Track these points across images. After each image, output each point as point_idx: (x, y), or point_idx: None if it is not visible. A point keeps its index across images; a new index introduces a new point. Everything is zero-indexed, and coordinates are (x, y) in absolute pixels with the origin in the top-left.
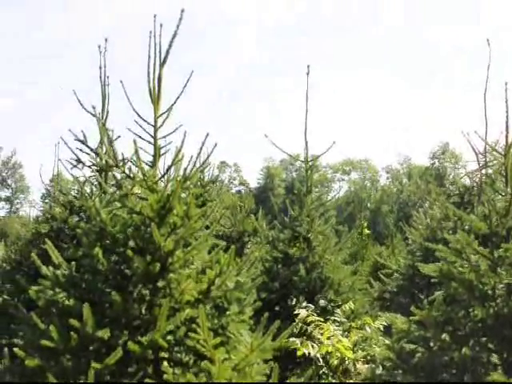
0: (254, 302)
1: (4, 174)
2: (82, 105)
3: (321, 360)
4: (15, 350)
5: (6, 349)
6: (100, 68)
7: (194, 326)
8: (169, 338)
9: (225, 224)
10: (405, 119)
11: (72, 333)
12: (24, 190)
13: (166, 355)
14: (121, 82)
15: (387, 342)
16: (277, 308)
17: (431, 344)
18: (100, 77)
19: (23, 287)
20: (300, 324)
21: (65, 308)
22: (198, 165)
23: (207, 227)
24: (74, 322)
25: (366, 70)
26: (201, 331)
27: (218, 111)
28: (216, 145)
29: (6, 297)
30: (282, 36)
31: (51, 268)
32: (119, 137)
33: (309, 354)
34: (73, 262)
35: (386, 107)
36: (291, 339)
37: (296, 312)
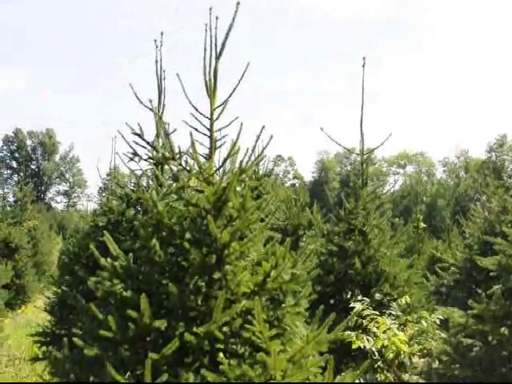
0: (310, 295)
1: (62, 169)
2: (138, 98)
3: (376, 353)
4: (74, 339)
5: (65, 338)
6: (156, 62)
7: (249, 317)
8: (225, 329)
9: (279, 217)
10: (463, 112)
11: (130, 323)
12: (81, 184)
13: (222, 346)
14: (177, 75)
15: (444, 335)
16: (332, 301)
17: (489, 338)
18: (156, 71)
19: (82, 279)
20: (355, 317)
21: (122, 299)
22: (253, 157)
23: (262, 220)
24: (131, 312)
25: (424, 61)
26: (256, 323)
27: (273, 103)
28: (272, 137)
29: (64, 288)
30: (336, 27)
31: (109, 259)
32: (175, 130)
33: (364, 347)
34: (130, 254)
35: (444, 99)
36: (346, 332)
37: (351, 305)
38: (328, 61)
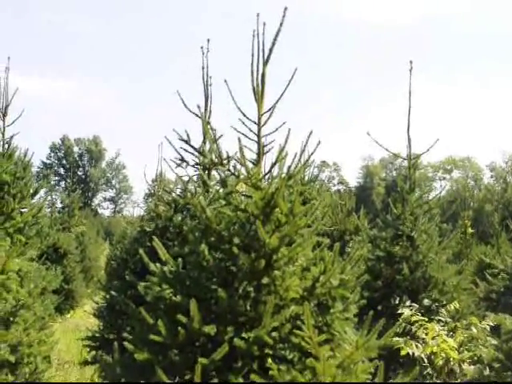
0: (358, 300)
1: (108, 175)
2: (185, 105)
3: (425, 360)
4: (125, 343)
5: (115, 343)
6: (203, 68)
7: (298, 323)
8: (274, 334)
9: (326, 223)
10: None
11: (179, 328)
12: (127, 191)
13: (271, 352)
14: (225, 81)
15: (495, 342)
16: (379, 307)
17: None
18: (203, 77)
19: (130, 284)
20: (403, 323)
21: (172, 303)
22: (301, 163)
23: (309, 226)
24: (181, 317)
25: (468, 65)
26: (306, 328)
27: (318, 109)
28: (319, 142)
29: (113, 293)
30: (381, 34)
31: (158, 264)
32: (222, 136)
33: (413, 353)
34: (179, 259)
35: (491, 103)
36: (395, 338)
37: (399, 311)
38: (372, 67)
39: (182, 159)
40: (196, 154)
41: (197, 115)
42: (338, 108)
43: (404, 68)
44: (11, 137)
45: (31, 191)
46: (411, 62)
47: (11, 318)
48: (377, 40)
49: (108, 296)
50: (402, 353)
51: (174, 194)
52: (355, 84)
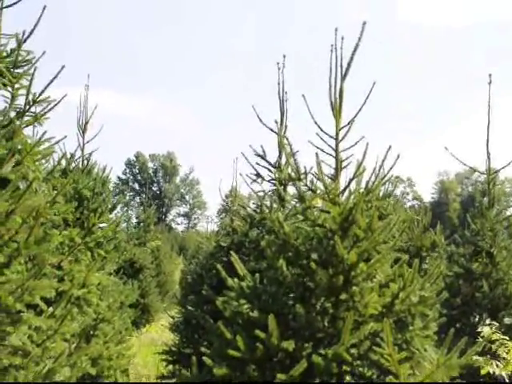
0: (438, 318)
1: (182, 191)
2: (261, 120)
3: (506, 379)
4: (204, 358)
5: (193, 357)
6: (278, 84)
7: (377, 340)
8: (352, 351)
9: (401, 239)
10: None
11: (258, 343)
12: (201, 206)
13: (349, 369)
14: (303, 96)
15: None
16: (458, 325)
17: None
18: (278, 92)
19: (207, 298)
20: (483, 342)
21: (249, 319)
22: (379, 178)
23: (385, 242)
24: (259, 333)
25: None
26: (385, 345)
27: (391, 122)
28: (398, 157)
29: (189, 307)
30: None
31: (236, 280)
32: (297, 151)
33: (493, 372)
34: (256, 274)
35: None
36: (474, 357)
37: (479, 329)
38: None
39: (258, 174)
40: (271, 169)
41: (272, 130)
42: (410, 121)
43: (478, 76)
44: (90, 153)
45: (109, 206)
46: (490, 75)
47: (92, 332)
48: (442, 45)
49: (184, 310)
50: (483, 372)
51: (249, 209)
52: (429, 96)
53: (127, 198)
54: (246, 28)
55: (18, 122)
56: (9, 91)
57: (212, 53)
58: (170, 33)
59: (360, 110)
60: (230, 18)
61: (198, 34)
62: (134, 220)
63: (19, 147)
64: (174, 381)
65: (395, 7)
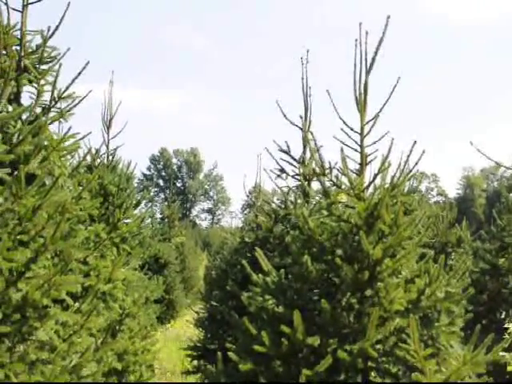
0: (464, 314)
1: (206, 187)
2: (285, 115)
3: None
4: (229, 353)
5: (218, 353)
6: (302, 79)
7: (403, 336)
8: (378, 347)
9: (427, 234)
10: None
11: (283, 339)
12: (225, 202)
13: (374, 365)
14: (327, 91)
15: None
16: (484, 321)
17: None
18: (302, 87)
19: (232, 294)
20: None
21: (275, 314)
22: (404, 173)
23: (409, 238)
24: (284, 328)
25: None
26: (411, 341)
27: (417, 118)
28: (424, 152)
29: (214, 303)
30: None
31: (261, 275)
32: (321, 146)
33: None
34: (281, 270)
35: None
36: (501, 353)
37: (506, 325)
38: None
39: (282, 170)
40: (296, 164)
41: (297, 126)
42: (435, 115)
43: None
44: (115, 149)
45: (134, 202)
46: None
47: (117, 327)
48: (468, 40)
49: (209, 306)
50: (509, 368)
51: (273, 205)
52: (454, 90)
53: (151, 193)
54: (266, 27)
55: (43, 118)
56: (34, 87)
57: (233, 48)
58: (191, 29)
59: (385, 104)
60: (253, 15)
61: (221, 32)
62: (159, 216)
63: (45, 143)
64: (198, 376)
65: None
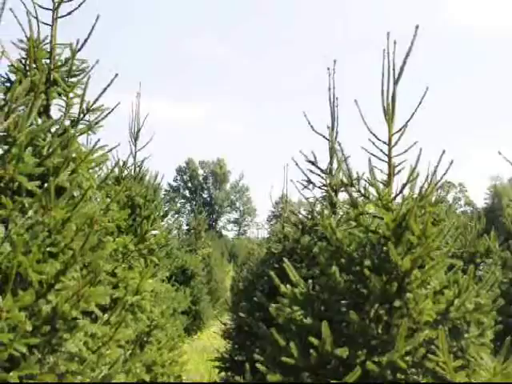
0: (494, 326)
1: (233, 197)
2: (311, 126)
3: None
4: (257, 365)
5: (246, 364)
6: (329, 89)
7: (432, 347)
8: (407, 358)
9: (455, 245)
10: None
11: (311, 350)
12: (251, 213)
13: (403, 376)
14: (355, 101)
15: None
16: None
17: None
18: (329, 98)
19: (259, 305)
20: None
21: (303, 325)
22: (433, 183)
23: (438, 248)
24: (313, 339)
25: None
26: (440, 353)
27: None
28: (452, 162)
29: (241, 314)
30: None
31: (288, 286)
32: (349, 156)
33: None
34: (309, 281)
35: None
36: None
37: None
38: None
39: (309, 180)
40: (322, 175)
41: (324, 136)
42: (463, 124)
43: None
44: (142, 160)
45: (161, 213)
46: None
47: (145, 338)
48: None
49: (236, 317)
50: None
51: (300, 216)
52: (481, 99)
53: (178, 205)
54: (290, 36)
55: (72, 131)
56: (64, 100)
57: (260, 59)
58: (216, 40)
59: (413, 114)
60: (277, 26)
61: (246, 43)
62: (185, 227)
63: (74, 155)
64: None
65: (444, 9)
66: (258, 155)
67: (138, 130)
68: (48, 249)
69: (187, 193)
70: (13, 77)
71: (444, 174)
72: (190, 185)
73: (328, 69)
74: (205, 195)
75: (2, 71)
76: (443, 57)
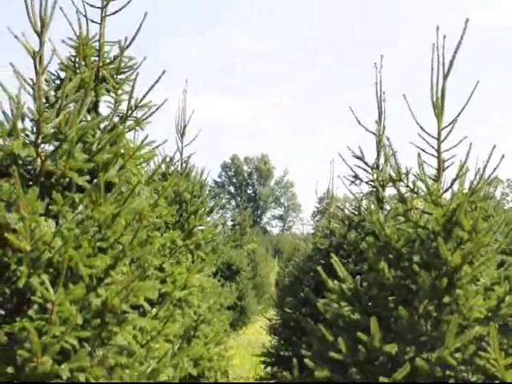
0: None
1: (277, 193)
2: (358, 121)
3: None
4: (305, 360)
5: (294, 359)
6: (376, 84)
7: (482, 344)
8: (457, 355)
9: (506, 241)
10: None
11: (360, 346)
12: (296, 208)
13: (453, 373)
14: (403, 96)
15: None
16: None
17: None
18: (376, 93)
19: (305, 300)
20: None
21: (350, 321)
22: (483, 178)
23: (488, 244)
24: (361, 335)
25: None
26: (491, 350)
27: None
28: (503, 157)
29: (288, 310)
30: None
31: (336, 282)
32: (397, 151)
33: None
34: (357, 276)
35: None
36: None
37: None
38: None
39: (356, 176)
40: (369, 170)
41: (371, 131)
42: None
43: None
44: (189, 156)
45: (207, 209)
46: None
47: (192, 333)
48: None
49: (282, 313)
50: None
51: (347, 211)
52: None
53: (223, 200)
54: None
55: (121, 127)
56: (112, 97)
57: (307, 51)
58: (265, 35)
59: (463, 108)
60: (316, 19)
61: (289, 37)
62: (230, 222)
63: (122, 151)
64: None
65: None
66: (302, 151)
67: (185, 126)
68: (98, 243)
69: (232, 189)
70: (63, 74)
71: (495, 169)
72: (234, 180)
73: (375, 63)
74: (249, 191)
75: (52, 69)
76: (491, 51)
